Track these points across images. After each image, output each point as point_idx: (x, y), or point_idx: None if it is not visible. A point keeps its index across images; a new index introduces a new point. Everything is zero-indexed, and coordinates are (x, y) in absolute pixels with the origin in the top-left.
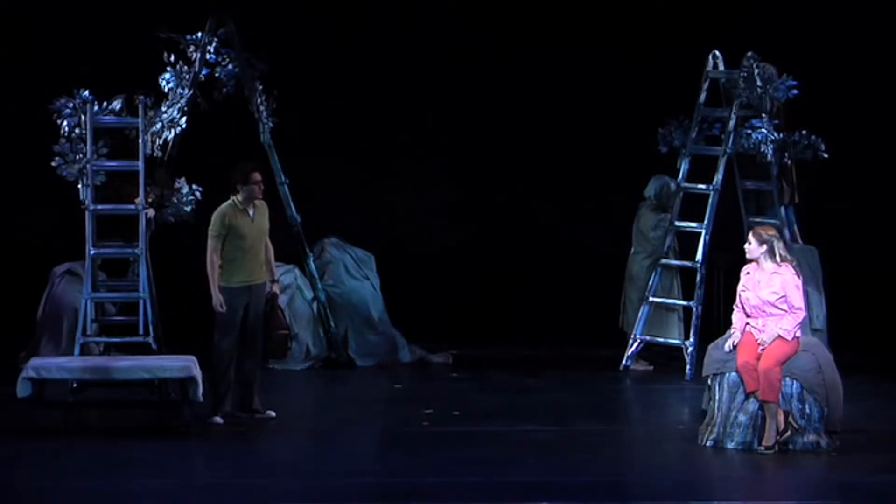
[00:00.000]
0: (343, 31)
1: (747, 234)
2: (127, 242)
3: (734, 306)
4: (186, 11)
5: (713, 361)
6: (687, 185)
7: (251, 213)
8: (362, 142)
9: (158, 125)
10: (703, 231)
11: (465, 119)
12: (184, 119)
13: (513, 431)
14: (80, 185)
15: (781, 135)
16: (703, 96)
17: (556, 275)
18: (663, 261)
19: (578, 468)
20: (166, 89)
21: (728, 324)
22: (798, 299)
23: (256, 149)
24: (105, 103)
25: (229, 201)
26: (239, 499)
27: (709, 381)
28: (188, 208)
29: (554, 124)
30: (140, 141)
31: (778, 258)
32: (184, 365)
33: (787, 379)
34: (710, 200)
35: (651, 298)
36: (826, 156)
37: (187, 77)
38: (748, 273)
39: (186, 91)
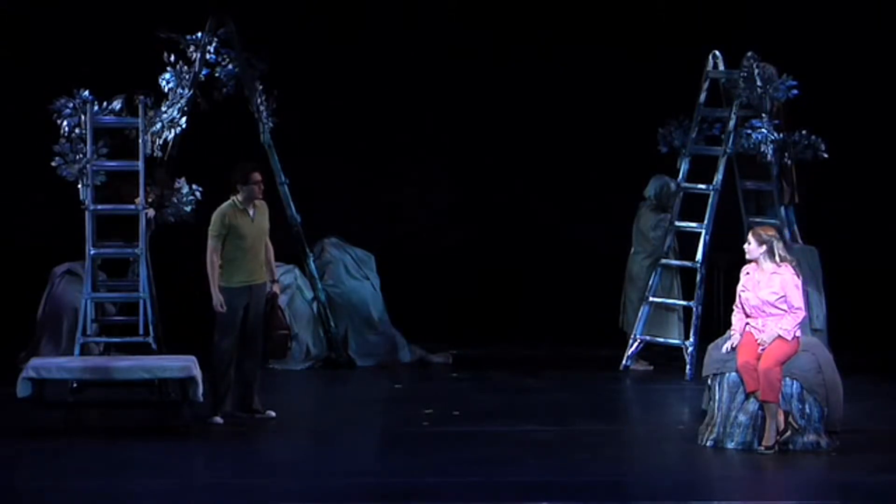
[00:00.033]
0: (343, 31)
1: (747, 235)
2: (127, 242)
3: (734, 307)
4: (186, 11)
5: (713, 361)
6: (687, 185)
7: (251, 213)
8: (362, 142)
9: (158, 125)
10: (703, 231)
11: (465, 119)
12: (184, 119)
13: (513, 431)
14: (80, 185)
15: (781, 135)
16: (703, 96)
17: (556, 275)
18: (663, 261)
19: (578, 468)
20: (166, 89)
21: (728, 324)
22: (798, 299)
23: (256, 149)
24: (105, 103)
25: (229, 201)
26: (239, 499)
27: (709, 381)
28: (188, 208)
29: (554, 124)
30: (140, 141)
31: (777, 258)
32: (184, 365)
33: (787, 379)
34: (710, 200)
35: (651, 298)
36: (826, 156)
37: (187, 77)
38: (748, 273)
39: (186, 91)
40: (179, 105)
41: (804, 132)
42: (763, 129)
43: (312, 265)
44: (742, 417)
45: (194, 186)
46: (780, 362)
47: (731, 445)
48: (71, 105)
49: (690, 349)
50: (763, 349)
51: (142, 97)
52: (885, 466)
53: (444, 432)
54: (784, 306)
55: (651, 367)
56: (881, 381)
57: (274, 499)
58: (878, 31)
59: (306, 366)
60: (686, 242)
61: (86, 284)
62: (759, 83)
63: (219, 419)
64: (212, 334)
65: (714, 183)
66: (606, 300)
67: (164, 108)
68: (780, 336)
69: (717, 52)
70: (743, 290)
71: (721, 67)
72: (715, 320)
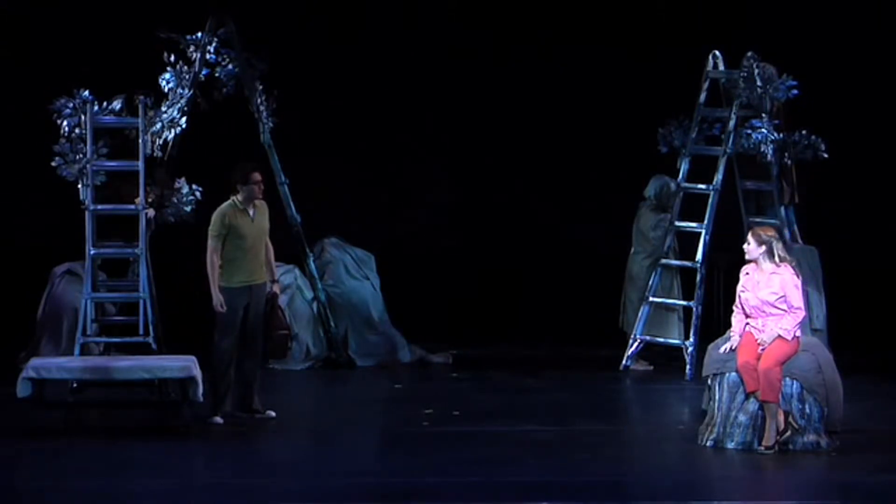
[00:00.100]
0: (343, 31)
1: (747, 235)
2: (127, 242)
3: (733, 307)
4: (186, 11)
5: (713, 361)
6: (687, 185)
7: (251, 213)
8: (362, 142)
9: (158, 125)
10: (703, 231)
11: (465, 119)
12: (184, 119)
13: (513, 431)
14: (80, 185)
15: (781, 135)
16: (703, 96)
17: (556, 275)
18: (663, 261)
19: (578, 468)
20: (166, 89)
21: (728, 324)
22: (797, 299)
23: (256, 149)
24: (105, 103)
25: (229, 201)
26: (239, 499)
27: (709, 381)
28: (188, 208)
29: (554, 124)
30: (140, 141)
31: (777, 259)
32: (184, 365)
33: (787, 379)
34: (710, 200)
35: (651, 298)
36: (826, 156)
37: (187, 77)
38: (747, 274)
39: (186, 91)
40: (179, 105)
41: (804, 132)
42: (763, 129)
43: (312, 265)
44: (742, 417)
45: (194, 186)
46: (780, 362)
47: (731, 445)
48: (71, 105)
49: (690, 349)
50: (763, 349)
51: (142, 97)
52: (885, 466)
53: (444, 432)
54: (784, 306)
55: (651, 367)
56: (881, 381)
57: (274, 499)
58: (878, 31)
59: (306, 366)
60: (686, 242)
61: (86, 284)
62: (759, 83)
63: (219, 419)
64: (212, 334)
65: (714, 183)
66: (606, 300)
67: (164, 108)
68: (780, 336)
69: (717, 52)
70: (742, 291)
71: (721, 67)
72: (715, 320)
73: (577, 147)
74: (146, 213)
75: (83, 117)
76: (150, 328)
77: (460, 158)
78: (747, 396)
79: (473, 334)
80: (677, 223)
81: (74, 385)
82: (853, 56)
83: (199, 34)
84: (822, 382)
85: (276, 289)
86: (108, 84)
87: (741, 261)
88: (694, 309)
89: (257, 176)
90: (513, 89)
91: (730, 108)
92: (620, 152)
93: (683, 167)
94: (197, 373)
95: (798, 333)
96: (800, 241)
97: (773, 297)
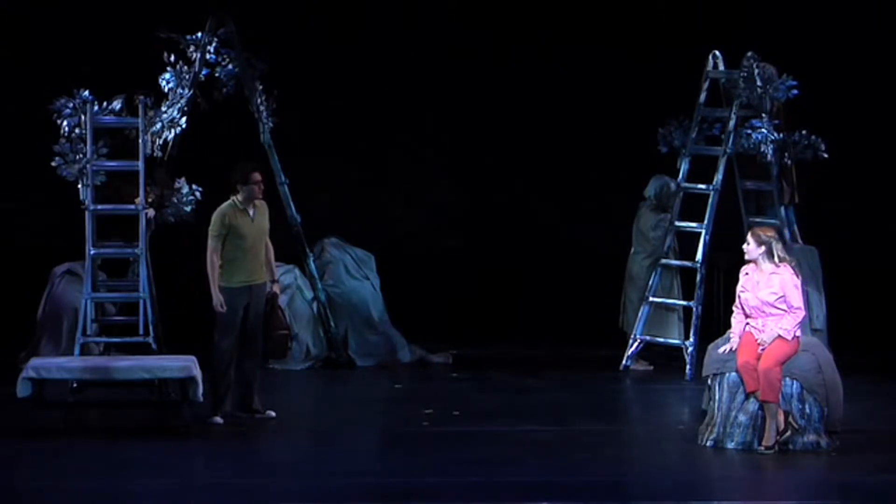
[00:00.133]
0: (343, 31)
1: (747, 235)
2: (127, 242)
3: (733, 307)
4: (186, 11)
5: (713, 361)
6: (687, 185)
7: (251, 213)
8: (362, 142)
9: (158, 125)
10: (703, 231)
11: (465, 119)
12: (184, 119)
13: (513, 431)
14: (80, 185)
15: (781, 135)
16: (703, 96)
17: (556, 275)
18: (663, 261)
19: (578, 468)
20: (166, 89)
21: (728, 324)
22: (797, 299)
23: (256, 149)
24: (105, 103)
25: (229, 201)
26: (239, 499)
27: (709, 381)
28: (188, 208)
29: (554, 124)
30: (140, 141)
31: (776, 259)
32: (184, 365)
33: (787, 379)
34: (710, 200)
35: (651, 298)
36: (826, 156)
37: (187, 77)
38: (747, 274)
39: (186, 91)
40: (179, 105)
41: (804, 132)
42: (763, 129)
43: (312, 265)
44: (742, 417)
45: (194, 186)
46: (780, 362)
47: (731, 445)
48: (71, 105)
49: (690, 349)
50: (763, 349)
51: (142, 97)
52: (885, 466)
53: (444, 432)
54: (783, 306)
55: (651, 367)
56: (881, 381)
57: (274, 499)
58: (878, 31)
59: (306, 366)
60: (686, 242)
61: (86, 284)
62: (759, 83)
63: (219, 419)
64: (212, 334)
65: (714, 183)
66: (606, 300)
67: (164, 108)
68: (780, 336)
69: (717, 52)
70: (742, 291)
71: (721, 67)
72: (715, 320)
73: (577, 147)
74: (146, 213)
75: (83, 117)
76: (150, 328)
77: (460, 158)
78: (747, 396)
79: (473, 334)
80: (677, 223)
81: (74, 385)
82: (853, 56)
83: (199, 34)
84: (822, 382)
85: (276, 289)
86: (108, 84)
87: (741, 261)
88: (694, 309)
89: (257, 176)
90: (513, 89)
91: (730, 108)
92: (620, 152)
93: (683, 167)
94: (197, 373)
95: (798, 333)
96: (800, 241)
97: (772, 298)
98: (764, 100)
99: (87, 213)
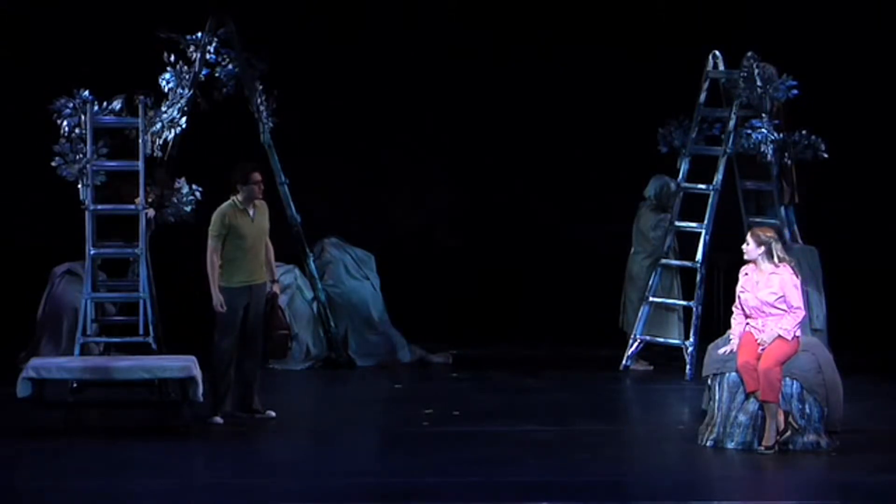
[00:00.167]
0: (343, 31)
1: (747, 235)
2: (127, 242)
3: (733, 308)
4: (186, 11)
5: (713, 361)
6: (687, 185)
7: (251, 213)
8: (362, 142)
9: (158, 125)
10: (703, 231)
11: (465, 119)
12: (184, 119)
13: (513, 431)
14: (80, 185)
15: (781, 135)
16: (703, 96)
17: (556, 275)
18: (663, 261)
19: (578, 468)
20: (166, 89)
21: (728, 324)
22: (797, 299)
23: (256, 149)
24: (105, 103)
25: (229, 201)
26: (239, 499)
27: (709, 381)
28: (188, 208)
29: (554, 124)
30: (140, 141)
31: (776, 259)
32: (184, 365)
33: (787, 379)
34: (710, 200)
35: (651, 298)
36: (826, 156)
37: (187, 77)
38: (746, 274)
39: (186, 91)
40: (179, 105)
41: (804, 132)
42: (763, 129)
43: (312, 265)
44: (742, 417)
45: (194, 186)
46: (780, 362)
47: (731, 445)
48: (71, 105)
49: (690, 349)
50: (763, 349)
51: (142, 97)
52: (885, 466)
53: (444, 432)
54: (783, 306)
55: (651, 367)
56: (881, 381)
57: (274, 499)
58: (878, 31)
59: (306, 366)
60: (686, 242)
61: (86, 284)
62: (759, 83)
63: (219, 419)
64: (212, 334)
65: (714, 183)
66: (606, 300)
67: (164, 108)
68: (780, 336)
69: (717, 52)
70: (742, 291)
71: (721, 67)
72: (715, 320)
73: (577, 147)
74: (146, 213)
75: (83, 117)
76: (150, 328)
77: (460, 158)
78: (747, 396)
79: (473, 334)
80: (677, 223)
81: (74, 385)
82: (853, 56)
83: (199, 34)
84: (822, 382)
85: (276, 289)
86: (108, 84)
87: (741, 261)
88: (694, 309)
89: (257, 176)
90: (513, 89)
91: (730, 108)
92: (620, 152)
93: (683, 167)
94: (197, 373)
95: (798, 333)
96: (800, 241)
97: (772, 298)
98: (764, 100)
99: (87, 213)
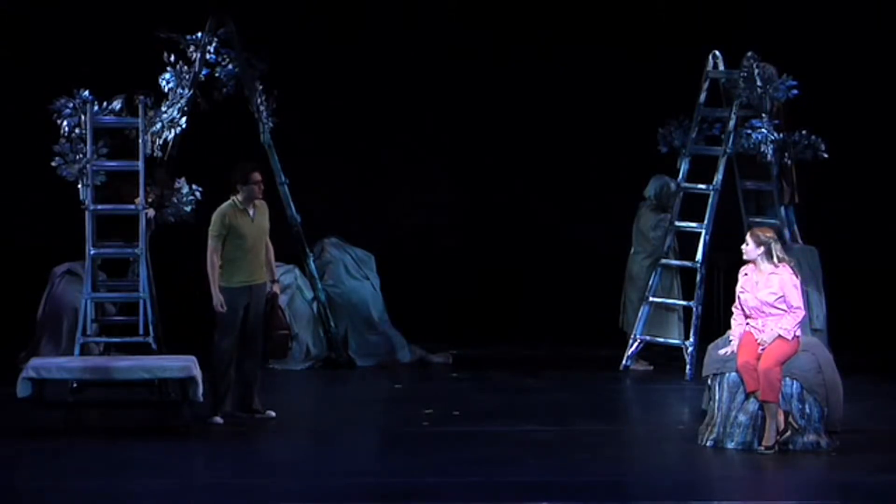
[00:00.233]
0: (343, 31)
1: (746, 235)
2: (127, 242)
3: (733, 308)
4: (186, 11)
5: (713, 361)
6: (687, 185)
7: (251, 213)
8: (362, 142)
9: (158, 125)
10: (703, 231)
11: (465, 119)
12: (184, 119)
13: (513, 431)
14: (80, 185)
15: (781, 135)
16: (703, 96)
17: (556, 275)
18: (663, 261)
19: (578, 468)
20: (166, 89)
21: (728, 324)
22: (797, 298)
23: (256, 149)
24: (105, 103)
25: (229, 201)
26: (239, 499)
27: (709, 381)
28: (188, 208)
29: (554, 124)
30: (140, 141)
31: (775, 259)
32: (184, 365)
33: (787, 379)
34: (710, 200)
35: (651, 298)
36: (826, 156)
37: (187, 77)
38: (746, 274)
39: (186, 91)
40: (179, 105)
41: (804, 132)
42: (763, 129)
43: (312, 265)
44: (742, 417)
45: (194, 186)
46: (780, 362)
47: (731, 445)
48: (71, 105)
49: (690, 349)
50: (763, 349)
51: (142, 97)
52: (885, 466)
53: (444, 432)
54: (783, 306)
55: (651, 367)
56: (881, 381)
57: (274, 499)
58: (878, 31)
59: (306, 366)
60: (686, 242)
61: (86, 284)
62: (759, 83)
63: (219, 419)
64: (212, 334)
65: (714, 183)
66: (606, 300)
67: (164, 108)
68: (780, 336)
69: (717, 52)
70: (742, 292)
71: (721, 67)
72: (715, 320)
73: (577, 147)
74: (146, 213)
75: (83, 117)
76: (150, 328)
77: (460, 158)
78: (747, 396)
79: (473, 334)
80: (677, 223)
81: (74, 385)
82: (853, 56)
83: (199, 34)
84: (822, 382)
85: (276, 289)
86: (108, 84)
87: (741, 261)
88: (694, 309)
89: (257, 176)
90: (513, 89)
91: (730, 108)
92: (620, 152)
93: (683, 167)
94: (197, 373)
95: (798, 333)
96: (800, 241)
97: (772, 298)
98: (764, 100)
99: (87, 213)
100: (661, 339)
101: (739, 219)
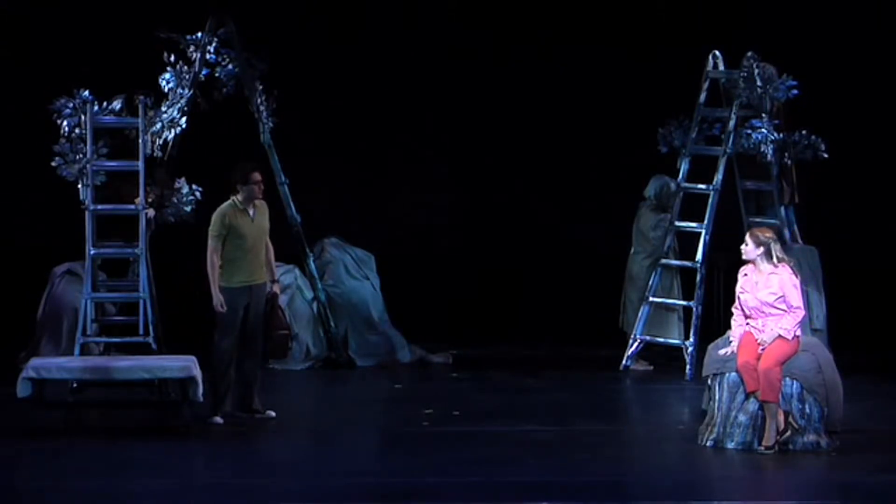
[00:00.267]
0: (343, 31)
1: (746, 235)
2: (127, 242)
3: (733, 308)
4: (186, 11)
5: (713, 361)
6: (687, 185)
7: (251, 213)
8: (362, 142)
9: (158, 125)
10: (703, 231)
11: (465, 119)
12: (184, 119)
13: (513, 431)
14: (80, 185)
15: (781, 135)
16: (703, 96)
17: (556, 275)
18: (663, 261)
19: (578, 468)
20: (166, 89)
21: (728, 324)
22: (796, 298)
23: (256, 149)
24: (105, 103)
25: (229, 201)
26: (239, 499)
27: (709, 381)
28: (188, 208)
29: (554, 124)
30: (140, 141)
31: (775, 259)
32: (184, 365)
33: (787, 379)
34: (710, 200)
35: (651, 298)
36: (826, 156)
37: (187, 77)
38: (745, 275)
39: (186, 91)
40: (179, 105)
41: (804, 132)
42: (763, 129)
43: (312, 265)
44: (742, 417)
45: (194, 186)
46: (780, 362)
47: (731, 445)
48: (71, 105)
49: (690, 349)
50: (763, 349)
51: (142, 97)
52: (885, 466)
53: (444, 432)
54: (783, 306)
55: (651, 367)
56: (881, 381)
57: (274, 499)
58: (878, 31)
59: (306, 366)
60: (686, 242)
61: (86, 284)
62: (759, 83)
63: (219, 419)
64: (212, 334)
65: (714, 183)
66: (606, 300)
67: (164, 108)
68: (780, 336)
69: (717, 52)
70: (742, 292)
71: (721, 67)
72: (715, 320)
73: (577, 147)
74: (146, 213)
75: (83, 117)
76: (150, 328)
77: (460, 158)
78: (747, 396)
79: (473, 334)
80: (677, 223)
81: (74, 385)
82: (853, 56)
83: (199, 34)
84: (822, 382)
85: (276, 289)
86: (108, 84)
87: (741, 261)
88: (694, 309)
89: (257, 176)
90: (513, 89)
91: (730, 108)
92: (620, 152)
93: (683, 167)
94: (197, 373)
95: (798, 333)
96: (800, 241)
97: (771, 298)
98: (764, 100)
99: (87, 213)
100: (661, 339)
101: (739, 219)
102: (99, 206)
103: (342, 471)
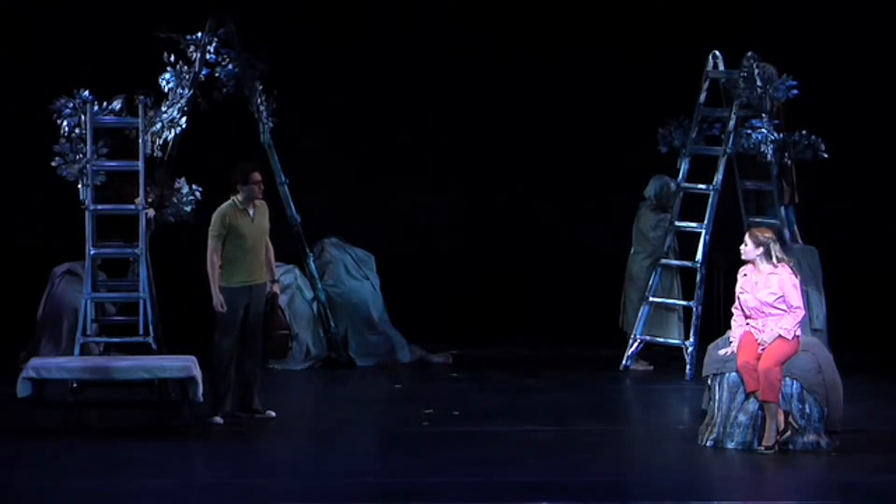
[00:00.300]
0: (343, 31)
1: (745, 235)
2: (127, 242)
3: (732, 309)
4: (186, 11)
5: (713, 361)
6: (687, 185)
7: (251, 213)
8: (362, 142)
9: (158, 125)
10: (703, 231)
11: (465, 119)
12: (184, 119)
13: (513, 431)
14: (80, 185)
15: (781, 135)
16: (703, 96)
17: (556, 275)
18: (663, 261)
19: (578, 468)
20: (166, 89)
21: (728, 324)
22: (796, 298)
23: (256, 149)
24: (105, 103)
25: (229, 201)
26: (239, 499)
27: (709, 381)
28: (188, 208)
29: (554, 124)
30: (140, 141)
31: (774, 259)
32: (184, 365)
33: (787, 379)
34: (710, 200)
35: (651, 298)
36: (826, 156)
37: (187, 77)
38: (745, 275)
39: (186, 91)
40: (179, 105)
41: (804, 132)
42: (763, 129)
43: (312, 265)
44: (742, 417)
45: (194, 186)
46: (780, 362)
47: (731, 445)
48: (71, 105)
49: (690, 349)
50: (763, 349)
51: (142, 97)
52: (885, 466)
53: (444, 432)
54: (783, 306)
55: (651, 367)
56: (881, 381)
57: (274, 499)
58: (878, 31)
59: (306, 366)
60: (686, 242)
61: (86, 284)
62: (759, 83)
63: (219, 419)
64: (212, 334)
65: (714, 183)
66: (606, 300)
67: (164, 108)
68: (780, 336)
69: (717, 52)
70: (741, 292)
71: (721, 67)
72: (715, 320)
73: (577, 147)
74: (146, 213)
75: (83, 117)
76: (150, 328)
77: (460, 158)
78: (747, 396)
79: (473, 334)
80: (677, 223)
81: (74, 385)
82: (853, 56)
83: (199, 34)
84: (822, 382)
85: (276, 289)
86: (108, 84)
87: (741, 261)
88: (694, 309)
89: (257, 176)
90: (513, 89)
91: (730, 108)
92: (620, 152)
93: (683, 167)
94: (197, 373)
95: (798, 333)
96: (800, 241)
97: (771, 298)
98: (764, 100)
99: (87, 213)
100: (661, 339)
101: (739, 219)
102: (99, 206)
103: (342, 471)
